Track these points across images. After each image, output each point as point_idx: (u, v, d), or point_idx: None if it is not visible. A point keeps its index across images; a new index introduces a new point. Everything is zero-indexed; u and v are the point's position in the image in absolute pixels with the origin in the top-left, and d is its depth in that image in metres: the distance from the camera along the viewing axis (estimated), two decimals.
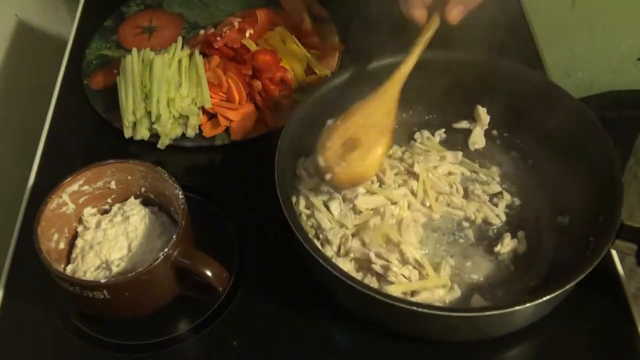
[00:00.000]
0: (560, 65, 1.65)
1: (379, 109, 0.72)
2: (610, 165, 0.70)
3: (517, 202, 0.79)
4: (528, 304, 0.61)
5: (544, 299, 0.61)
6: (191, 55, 0.90)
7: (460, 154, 0.82)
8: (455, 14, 0.72)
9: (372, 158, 0.71)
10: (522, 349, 0.70)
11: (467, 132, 0.84)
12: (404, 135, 0.84)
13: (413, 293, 0.70)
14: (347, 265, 0.72)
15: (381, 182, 0.78)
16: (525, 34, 1.00)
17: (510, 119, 0.82)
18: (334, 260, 0.71)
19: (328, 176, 0.70)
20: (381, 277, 0.70)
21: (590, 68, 1.68)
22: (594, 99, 1.73)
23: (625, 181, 1.03)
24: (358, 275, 0.71)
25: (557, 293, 0.62)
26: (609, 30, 1.58)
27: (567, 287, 0.62)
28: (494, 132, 0.84)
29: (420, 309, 0.61)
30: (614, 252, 0.75)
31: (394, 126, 0.73)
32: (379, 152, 0.71)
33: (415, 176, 0.79)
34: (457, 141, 0.84)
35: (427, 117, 0.86)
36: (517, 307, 0.61)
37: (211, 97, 0.87)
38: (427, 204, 0.77)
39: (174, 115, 0.85)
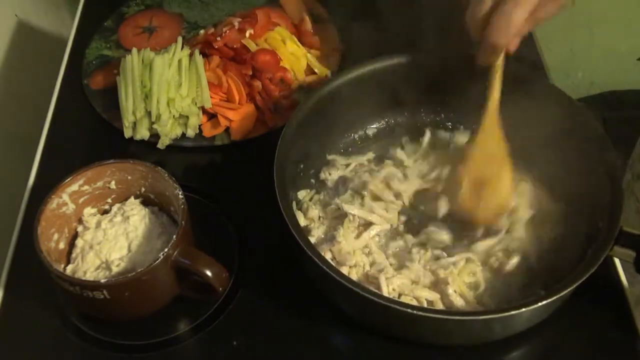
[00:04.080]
0: (560, 65, 1.65)
1: (489, 142, 0.74)
2: (610, 170, 0.70)
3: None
4: (523, 309, 0.61)
5: (540, 304, 0.61)
6: (191, 55, 0.90)
7: None
8: (514, 43, 0.71)
9: (503, 187, 0.73)
10: (521, 353, 0.70)
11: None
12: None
13: None
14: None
15: None
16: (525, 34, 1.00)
17: (510, 121, 0.82)
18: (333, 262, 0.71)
19: (474, 220, 0.73)
20: None
21: (590, 68, 1.69)
22: (594, 99, 1.73)
23: None
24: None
25: (553, 298, 0.61)
26: (609, 30, 1.59)
27: (564, 292, 0.62)
28: None
29: (413, 311, 0.61)
30: (616, 260, 0.74)
31: (507, 150, 0.74)
32: (506, 180, 0.73)
33: None
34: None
35: (433, 117, 0.86)
36: (513, 312, 0.61)
37: (211, 97, 0.87)
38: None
39: (174, 115, 0.85)
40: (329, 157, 0.81)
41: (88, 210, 0.74)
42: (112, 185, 0.74)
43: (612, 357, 0.70)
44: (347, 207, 0.75)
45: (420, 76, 0.80)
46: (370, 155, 0.82)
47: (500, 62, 0.71)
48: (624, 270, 0.74)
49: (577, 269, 0.64)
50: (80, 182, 0.71)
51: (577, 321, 0.71)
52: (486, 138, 0.74)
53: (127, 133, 0.87)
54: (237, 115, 0.87)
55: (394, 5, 0.89)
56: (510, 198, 0.74)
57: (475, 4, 0.67)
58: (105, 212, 0.75)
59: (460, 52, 0.80)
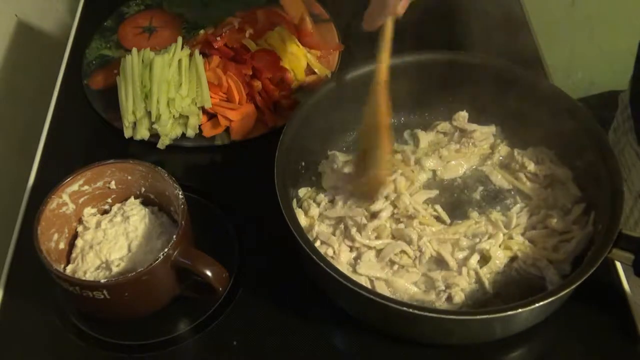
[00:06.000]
0: (560, 65, 1.65)
1: (374, 112, 0.73)
2: (610, 172, 0.69)
3: None
4: (522, 309, 0.61)
5: (539, 304, 0.61)
6: (191, 55, 0.90)
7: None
8: (401, 6, 0.69)
9: (381, 157, 0.73)
10: (521, 353, 0.70)
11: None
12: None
13: None
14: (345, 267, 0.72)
15: None
16: (525, 34, 1.00)
17: (510, 122, 0.82)
18: (333, 262, 0.71)
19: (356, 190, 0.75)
20: None
21: (590, 68, 1.68)
22: (594, 99, 1.72)
23: None
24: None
25: (552, 299, 0.61)
26: (609, 30, 1.58)
27: (563, 293, 0.62)
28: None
29: (413, 311, 0.61)
30: (617, 262, 0.74)
31: (387, 123, 0.73)
32: (384, 150, 0.73)
33: None
34: None
35: (435, 117, 0.86)
36: (512, 312, 0.61)
37: (211, 97, 0.87)
38: None
39: (174, 115, 0.85)
40: (329, 153, 0.81)
41: (88, 210, 0.74)
42: (112, 185, 0.74)
43: (613, 358, 0.70)
44: (329, 212, 0.75)
45: (420, 76, 0.80)
46: None
47: (388, 26, 0.70)
48: (625, 272, 0.74)
49: (576, 271, 0.64)
50: (80, 182, 0.71)
51: (577, 322, 0.71)
52: (372, 108, 0.73)
53: (127, 133, 0.87)
54: (237, 115, 0.87)
55: None
56: (387, 168, 0.74)
57: None
58: (105, 212, 0.75)
59: (460, 52, 0.80)
